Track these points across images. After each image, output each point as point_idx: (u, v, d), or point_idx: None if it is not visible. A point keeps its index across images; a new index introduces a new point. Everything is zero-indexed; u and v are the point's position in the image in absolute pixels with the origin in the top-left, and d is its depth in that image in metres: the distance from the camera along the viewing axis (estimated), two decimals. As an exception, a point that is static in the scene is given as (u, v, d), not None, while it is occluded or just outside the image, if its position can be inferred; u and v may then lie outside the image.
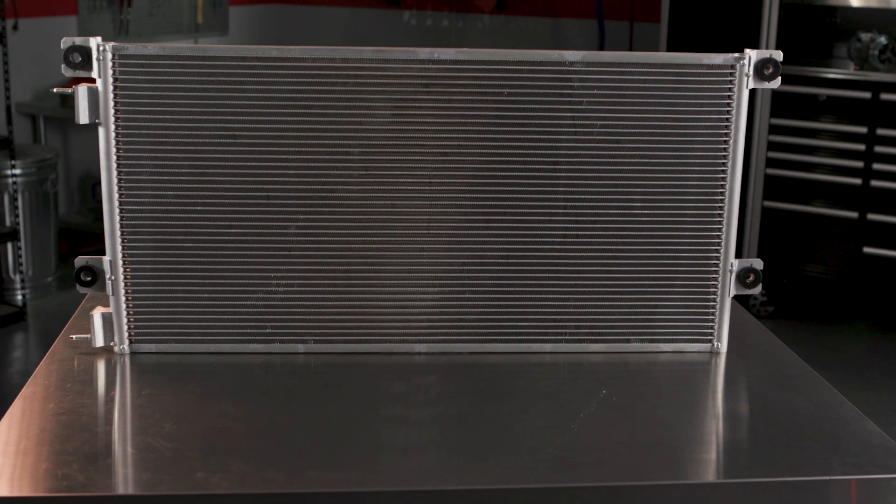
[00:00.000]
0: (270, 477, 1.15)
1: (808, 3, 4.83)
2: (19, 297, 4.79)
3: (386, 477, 1.18)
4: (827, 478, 1.18)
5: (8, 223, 4.75)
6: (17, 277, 4.78)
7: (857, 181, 4.57)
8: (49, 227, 5.00)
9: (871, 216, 4.57)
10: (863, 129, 4.54)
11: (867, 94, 4.51)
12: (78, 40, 1.38)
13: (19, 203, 4.75)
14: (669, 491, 1.17)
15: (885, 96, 4.48)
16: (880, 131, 4.51)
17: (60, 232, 5.15)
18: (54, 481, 1.13)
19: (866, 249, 4.60)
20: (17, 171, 4.75)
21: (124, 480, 1.15)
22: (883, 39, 4.67)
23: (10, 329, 4.56)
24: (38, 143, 5.37)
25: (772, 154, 4.73)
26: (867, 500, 1.18)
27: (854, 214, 4.61)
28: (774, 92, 4.66)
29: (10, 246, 4.78)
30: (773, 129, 4.70)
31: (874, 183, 4.54)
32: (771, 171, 4.74)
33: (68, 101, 5.22)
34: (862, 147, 4.55)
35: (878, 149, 4.51)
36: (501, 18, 6.03)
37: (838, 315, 4.97)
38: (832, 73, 4.63)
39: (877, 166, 4.52)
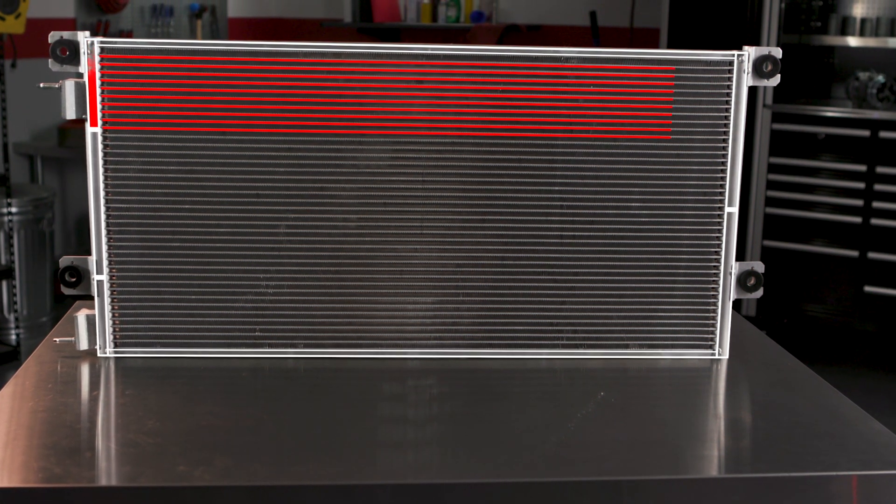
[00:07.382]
0: (255, 471, 1.10)
1: (806, 43, 4.84)
2: (13, 337, 4.74)
3: (379, 471, 1.13)
4: (828, 473, 1.13)
5: (3, 261, 4.72)
6: (12, 316, 4.74)
7: (857, 219, 4.55)
8: (44, 267, 4.96)
9: (871, 255, 4.54)
10: (862, 168, 4.53)
11: (866, 133, 4.50)
12: (66, 34, 1.36)
13: (15, 242, 4.72)
14: (671, 486, 1.12)
15: (883, 134, 4.47)
16: (880, 169, 4.49)
17: (56, 272, 5.11)
18: (30, 473, 1.08)
19: (867, 288, 4.57)
20: (14, 210, 4.72)
21: (105, 473, 1.10)
22: (881, 78, 4.67)
23: (3, 368, 4.50)
24: (36, 182, 5.35)
25: (771, 193, 4.71)
26: (869, 496, 1.14)
27: (854, 253, 4.58)
28: (773, 130, 4.66)
29: (4, 284, 4.74)
30: (773, 168, 4.69)
31: (874, 221, 4.52)
32: (770, 210, 4.72)
33: (66, 141, 5.21)
34: (861, 185, 4.53)
35: (878, 187, 4.50)
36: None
37: (839, 354, 4.91)
38: (831, 112, 4.62)
39: (877, 204, 4.50)
